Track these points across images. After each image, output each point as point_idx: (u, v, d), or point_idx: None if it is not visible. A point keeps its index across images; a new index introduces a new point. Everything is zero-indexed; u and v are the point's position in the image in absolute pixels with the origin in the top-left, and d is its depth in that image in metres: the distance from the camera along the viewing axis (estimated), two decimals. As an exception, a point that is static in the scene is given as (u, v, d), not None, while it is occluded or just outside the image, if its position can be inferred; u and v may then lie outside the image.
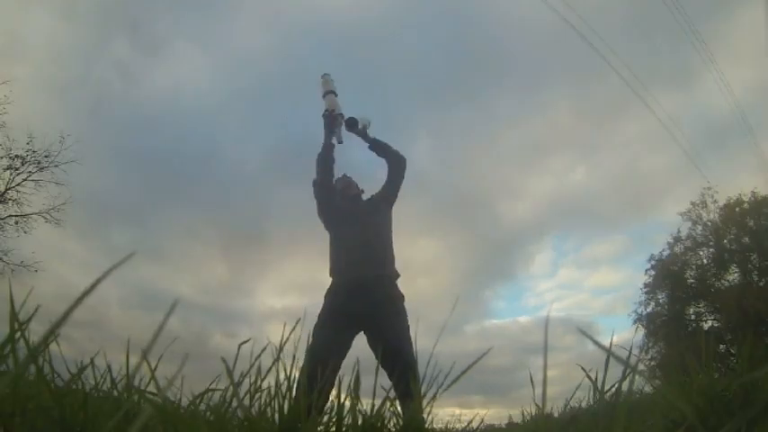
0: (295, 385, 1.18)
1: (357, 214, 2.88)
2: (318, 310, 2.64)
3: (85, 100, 24.84)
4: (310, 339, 1.31)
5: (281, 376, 1.19)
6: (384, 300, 2.57)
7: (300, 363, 1.26)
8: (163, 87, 32.04)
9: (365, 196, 3.01)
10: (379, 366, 1.38)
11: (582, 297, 30.10)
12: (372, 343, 2.47)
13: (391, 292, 2.65)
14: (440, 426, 1.95)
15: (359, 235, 2.74)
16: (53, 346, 1.16)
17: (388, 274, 2.69)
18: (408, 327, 2.51)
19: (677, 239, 18.72)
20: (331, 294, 2.67)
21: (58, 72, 22.78)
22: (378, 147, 2.96)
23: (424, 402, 1.21)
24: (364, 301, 2.52)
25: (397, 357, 2.05)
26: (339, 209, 2.93)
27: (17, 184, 14.01)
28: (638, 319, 18.18)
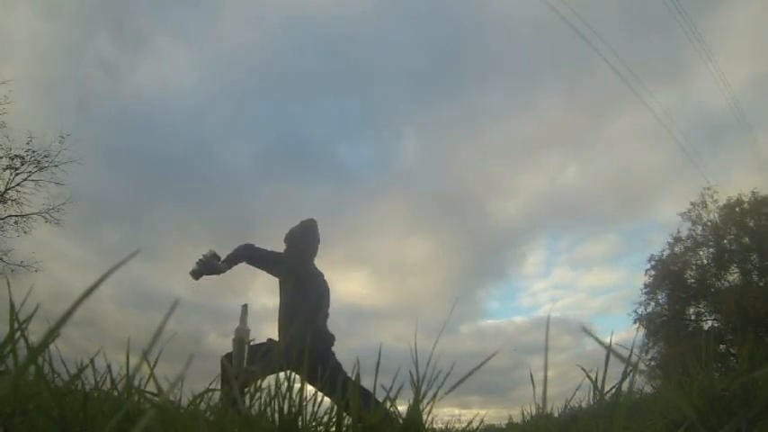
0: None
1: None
2: None
3: (71, 98, 24.69)
4: None
5: (281, 376, 1.19)
6: None
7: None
8: (149, 85, 31.90)
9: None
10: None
11: (577, 297, 30.03)
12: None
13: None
14: (440, 426, 1.96)
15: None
16: (53, 346, 1.16)
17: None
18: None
19: (677, 239, 18.73)
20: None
21: (42, 71, 22.73)
22: (231, 261, 3.02)
23: (424, 403, 1.21)
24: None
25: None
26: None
27: (17, 184, 14.03)
28: (638, 319, 18.19)
